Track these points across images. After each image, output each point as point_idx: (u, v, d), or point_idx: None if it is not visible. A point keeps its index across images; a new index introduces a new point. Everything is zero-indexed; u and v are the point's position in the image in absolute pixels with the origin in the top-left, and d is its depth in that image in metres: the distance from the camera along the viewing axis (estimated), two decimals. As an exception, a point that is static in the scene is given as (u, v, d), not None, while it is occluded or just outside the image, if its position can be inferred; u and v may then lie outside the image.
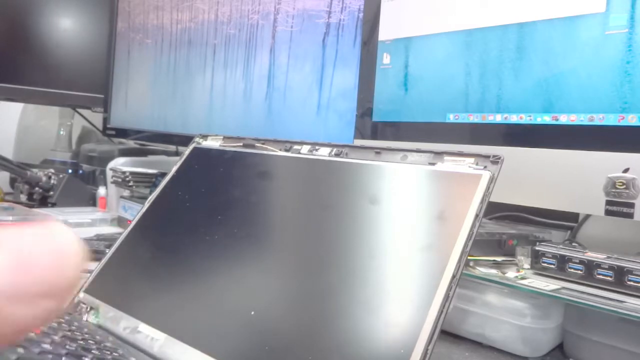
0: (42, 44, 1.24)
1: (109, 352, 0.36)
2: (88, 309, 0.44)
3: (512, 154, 0.52)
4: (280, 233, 0.43)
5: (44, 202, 1.06)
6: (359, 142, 0.68)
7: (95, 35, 1.26)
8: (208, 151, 0.54)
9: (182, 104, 1.01)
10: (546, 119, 0.51)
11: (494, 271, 0.48)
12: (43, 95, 1.23)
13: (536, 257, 0.47)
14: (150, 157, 1.19)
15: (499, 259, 0.51)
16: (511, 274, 0.48)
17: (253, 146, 0.50)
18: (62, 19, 1.26)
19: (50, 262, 0.22)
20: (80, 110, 1.35)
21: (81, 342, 0.36)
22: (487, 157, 0.34)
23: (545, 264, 0.47)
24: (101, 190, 1.06)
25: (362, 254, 0.36)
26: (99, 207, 1.06)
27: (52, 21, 1.25)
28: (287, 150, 0.47)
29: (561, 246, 0.48)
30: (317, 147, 0.46)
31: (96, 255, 0.61)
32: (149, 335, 0.38)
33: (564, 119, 0.50)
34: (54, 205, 1.05)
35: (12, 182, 1.17)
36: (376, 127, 0.66)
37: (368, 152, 0.40)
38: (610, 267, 0.43)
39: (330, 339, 0.32)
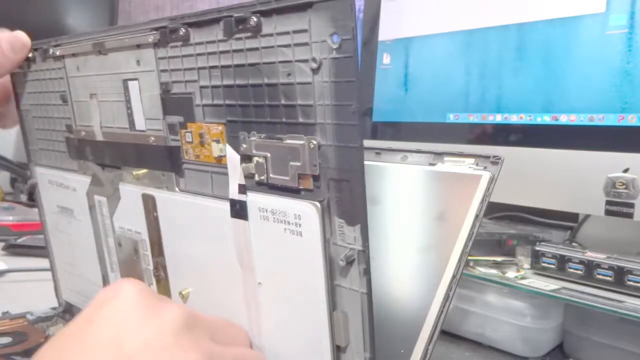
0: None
1: None
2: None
3: (512, 154, 0.52)
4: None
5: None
6: (359, 142, 0.68)
7: (95, 35, 1.26)
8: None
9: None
10: (546, 119, 0.52)
11: (494, 271, 0.48)
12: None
13: (536, 257, 0.47)
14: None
15: (499, 259, 0.51)
16: (511, 274, 0.48)
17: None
18: (62, 19, 1.26)
19: None
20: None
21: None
22: (487, 157, 0.34)
23: (545, 264, 0.47)
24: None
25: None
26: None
27: (52, 21, 1.25)
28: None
29: (561, 246, 0.48)
30: (317, 148, 0.46)
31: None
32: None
33: (564, 119, 0.50)
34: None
35: (13, 182, 1.18)
36: (376, 127, 0.66)
37: (368, 153, 0.40)
38: (610, 267, 0.43)
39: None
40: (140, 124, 0.36)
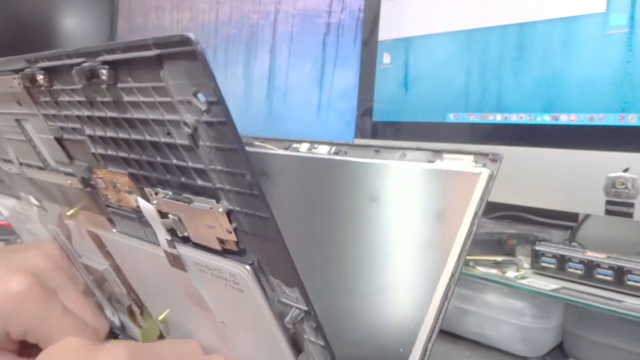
0: (42, 45, 1.24)
1: None
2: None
3: (512, 154, 0.52)
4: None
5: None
6: (359, 141, 0.68)
7: (95, 35, 1.26)
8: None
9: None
10: (546, 118, 0.51)
11: (493, 271, 0.48)
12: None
13: (536, 256, 0.47)
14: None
15: (498, 258, 0.51)
16: (511, 273, 0.48)
17: (252, 144, 0.50)
18: (62, 19, 1.27)
19: None
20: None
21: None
22: (486, 155, 0.34)
23: (545, 264, 0.47)
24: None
25: (361, 253, 0.36)
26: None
27: (52, 21, 1.25)
28: (286, 149, 0.47)
29: (561, 246, 0.48)
30: (316, 146, 0.46)
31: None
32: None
33: (564, 119, 0.50)
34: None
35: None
36: (376, 127, 0.66)
37: (367, 151, 0.40)
38: (610, 267, 0.43)
39: (329, 338, 0.32)
40: (52, 164, 0.31)
